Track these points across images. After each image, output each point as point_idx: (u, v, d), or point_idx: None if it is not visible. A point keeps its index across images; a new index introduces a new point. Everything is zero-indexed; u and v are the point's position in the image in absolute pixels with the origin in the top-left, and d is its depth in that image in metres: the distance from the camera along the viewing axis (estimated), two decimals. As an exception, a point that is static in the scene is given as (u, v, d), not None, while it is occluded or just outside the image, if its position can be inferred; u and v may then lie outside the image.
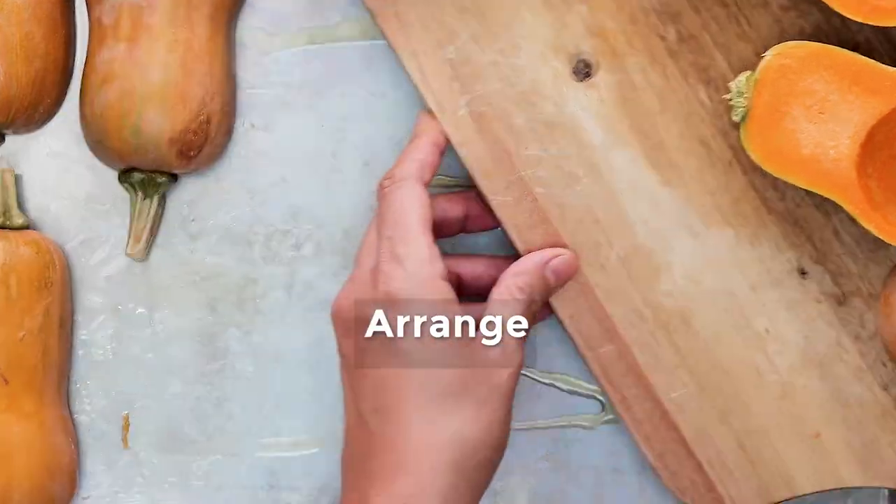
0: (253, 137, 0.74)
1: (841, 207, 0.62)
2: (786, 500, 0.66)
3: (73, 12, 0.73)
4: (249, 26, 0.74)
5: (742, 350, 0.66)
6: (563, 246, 0.66)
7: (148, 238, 0.72)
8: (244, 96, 0.74)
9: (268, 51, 0.74)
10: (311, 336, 0.73)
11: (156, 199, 0.72)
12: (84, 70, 0.71)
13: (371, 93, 0.73)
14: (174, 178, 0.72)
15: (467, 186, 0.70)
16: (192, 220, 0.74)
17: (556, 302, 0.66)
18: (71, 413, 0.73)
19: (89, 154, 0.72)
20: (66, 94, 0.73)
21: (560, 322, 0.67)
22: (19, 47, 0.69)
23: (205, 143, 0.70)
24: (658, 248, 0.66)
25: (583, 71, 0.66)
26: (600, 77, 0.66)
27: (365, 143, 0.74)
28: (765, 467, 0.66)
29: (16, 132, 0.73)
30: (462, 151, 0.66)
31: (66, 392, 0.73)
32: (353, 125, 0.74)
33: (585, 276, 0.66)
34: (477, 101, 0.66)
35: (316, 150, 0.74)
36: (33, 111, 0.71)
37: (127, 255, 0.72)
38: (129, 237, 0.72)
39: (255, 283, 0.74)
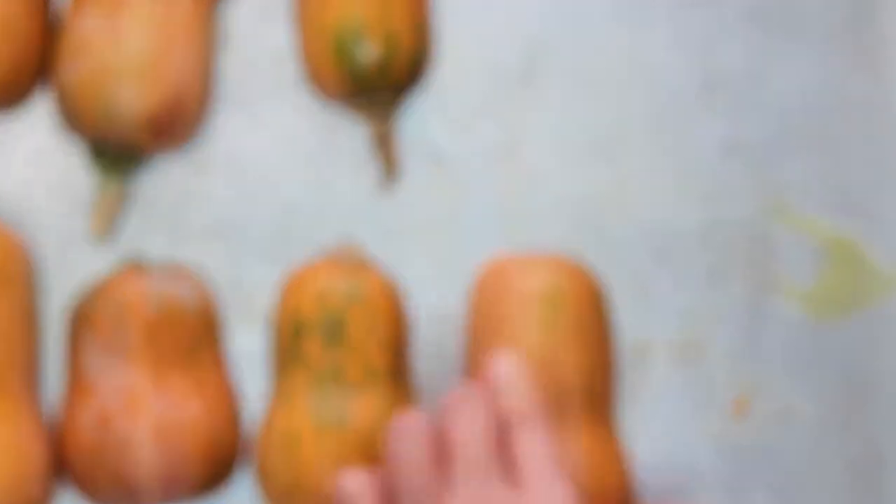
0: (244, 135, 0.73)
1: None
2: None
3: (55, -11, 0.73)
4: (241, 20, 0.74)
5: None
6: None
7: (112, 216, 0.71)
8: (236, 92, 0.74)
9: (260, 44, 0.74)
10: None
11: (123, 177, 0.71)
12: (59, 41, 0.70)
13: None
14: (144, 156, 0.71)
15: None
16: (181, 219, 0.73)
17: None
18: (43, 412, 0.70)
19: (72, 151, 0.72)
20: (45, 73, 0.72)
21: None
22: None
23: (178, 123, 0.69)
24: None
25: None
26: None
27: (362, 142, 0.74)
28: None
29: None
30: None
31: (39, 394, 0.70)
32: (353, 124, 0.74)
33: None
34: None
35: (310, 148, 0.74)
36: (11, 92, 0.70)
37: (90, 233, 0.71)
38: (93, 215, 0.71)
39: (245, 285, 0.73)
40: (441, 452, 0.59)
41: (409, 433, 0.59)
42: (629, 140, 0.74)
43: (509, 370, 0.60)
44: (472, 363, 0.70)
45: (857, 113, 0.74)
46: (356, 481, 0.60)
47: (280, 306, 0.70)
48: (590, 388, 0.68)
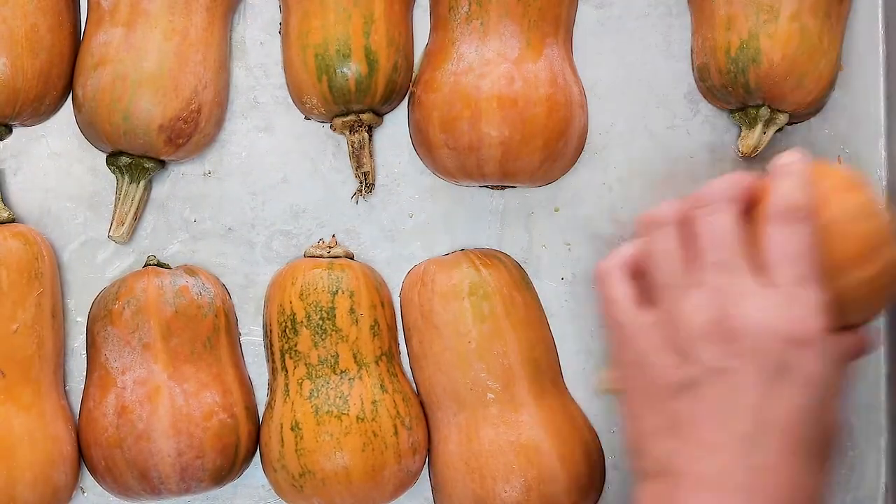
0: (254, 138, 0.74)
1: None
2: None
3: (79, 3, 0.72)
4: (250, 28, 0.74)
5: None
6: None
7: (132, 221, 0.71)
8: (245, 98, 0.74)
9: (269, 52, 0.74)
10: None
11: (142, 183, 0.71)
12: (79, 52, 0.70)
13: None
14: (162, 163, 0.72)
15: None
16: (194, 221, 0.73)
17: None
18: (69, 402, 0.71)
19: (91, 155, 0.72)
20: (71, 85, 0.71)
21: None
22: (24, 40, 0.68)
23: (194, 131, 0.70)
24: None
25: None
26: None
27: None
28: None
29: (23, 124, 0.72)
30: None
31: (63, 382, 0.71)
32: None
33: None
34: None
35: (316, 150, 0.74)
36: (39, 103, 0.70)
37: (109, 237, 0.71)
38: (113, 220, 0.71)
39: (257, 284, 0.73)
40: (690, 247, 0.59)
41: (662, 228, 0.60)
42: (619, 144, 0.74)
43: (793, 162, 0.60)
44: (415, 363, 0.72)
45: (833, 117, 0.75)
46: (614, 259, 0.62)
47: (268, 305, 0.71)
48: (533, 361, 0.70)
